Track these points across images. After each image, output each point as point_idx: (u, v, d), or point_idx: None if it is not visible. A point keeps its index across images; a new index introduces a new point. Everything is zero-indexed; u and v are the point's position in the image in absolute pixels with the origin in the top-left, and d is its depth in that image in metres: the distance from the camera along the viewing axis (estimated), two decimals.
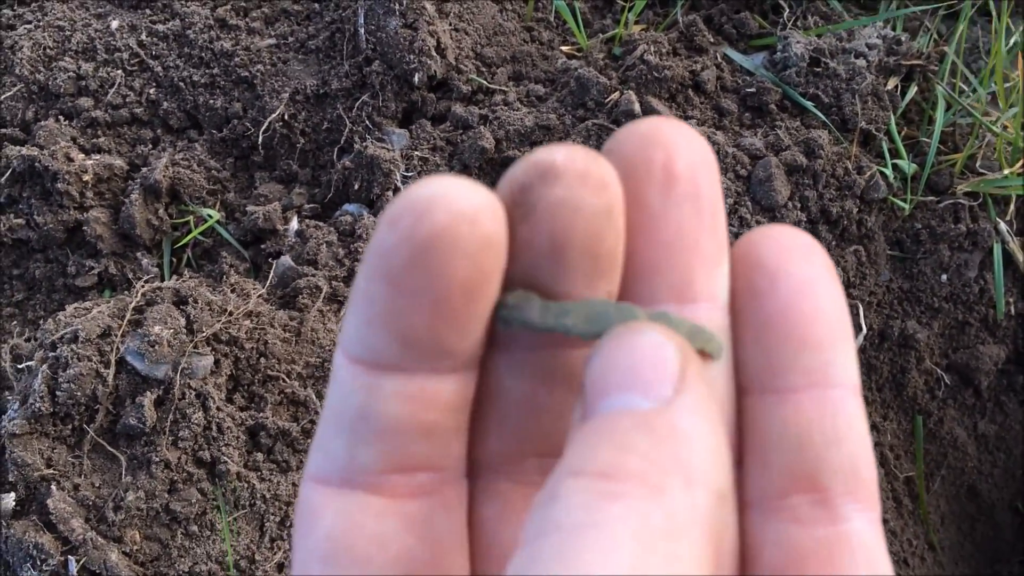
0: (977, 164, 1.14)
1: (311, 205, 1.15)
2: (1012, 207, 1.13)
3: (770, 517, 0.29)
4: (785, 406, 0.29)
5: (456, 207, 0.25)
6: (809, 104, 1.12)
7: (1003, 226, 1.12)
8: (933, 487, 1.17)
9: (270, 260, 1.10)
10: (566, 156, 0.27)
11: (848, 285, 1.11)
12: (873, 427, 1.13)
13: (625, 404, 0.25)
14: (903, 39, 1.16)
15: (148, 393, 0.91)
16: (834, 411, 0.29)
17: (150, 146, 1.17)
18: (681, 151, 0.29)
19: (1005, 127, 1.13)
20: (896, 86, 1.15)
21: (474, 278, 0.26)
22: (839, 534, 0.28)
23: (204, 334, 0.93)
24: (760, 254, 0.29)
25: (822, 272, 0.29)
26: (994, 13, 1.11)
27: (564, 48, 1.23)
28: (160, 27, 1.20)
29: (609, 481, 0.23)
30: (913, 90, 1.15)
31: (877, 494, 0.30)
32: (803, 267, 0.29)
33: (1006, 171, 1.11)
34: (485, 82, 1.18)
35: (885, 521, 1.10)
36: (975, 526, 1.21)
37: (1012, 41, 1.20)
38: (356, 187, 1.13)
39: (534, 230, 0.27)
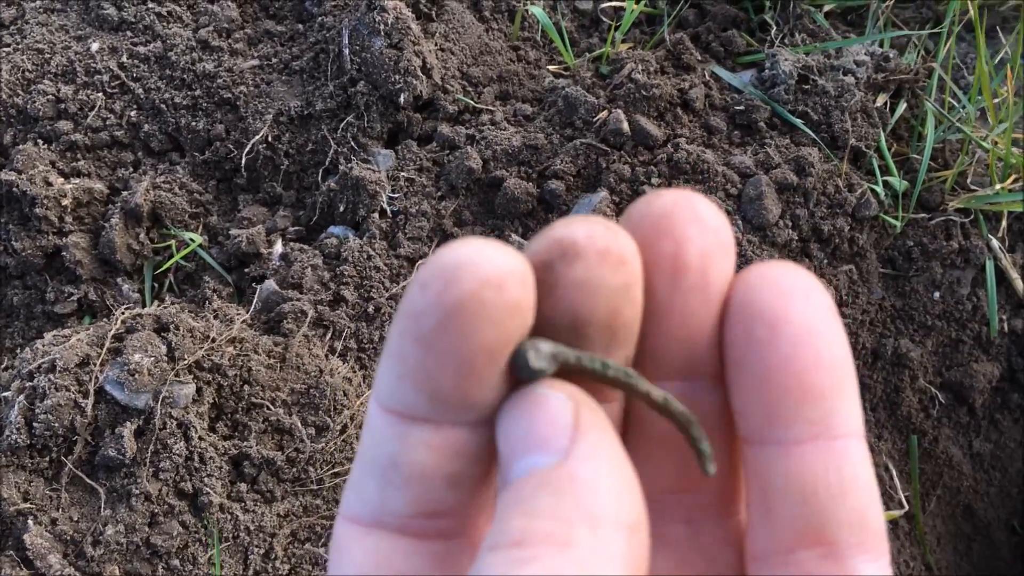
0: (968, 180, 1.13)
1: (296, 228, 1.13)
2: (1004, 223, 1.12)
3: (778, 571, 0.29)
4: (788, 459, 0.29)
5: (484, 273, 0.26)
6: (798, 122, 1.11)
7: (995, 243, 1.11)
8: (929, 507, 1.15)
9: (254, 284, 1.08)
10: (587, 234, 0.28)
11: (840, 304, 1.10)
12: (868, 447, 1.11)
13: (531, 466, 0.26)
14: (891, 55, 1.15)
15: (128, 423, 0.88)
16: (839, 463, 0.28)
17: (131, 169, 1.15)
18: (692, 241, 0.29)
19: (995, 143, 1.12)
20: (885, 103, 1.15)
21: (499, 341, 0.27)
22: None
23: (186, 362, 0.91)
24: (758, 300, 0.29)
25: (823, 317, 0.29)
26: (977, 30, 1.11)
27: (551, 67, 1.22)
28: (141, 49, 1.19)
29: (521, 548, 0.25)
30: (902, 107, 1.15)
31: (886, 541, 0.29)
32: (803, 313, 0.28)
33: (997, 187, 1.10)
34: (472, 102, 1.17)
35: None
36: (971, 546, 1.19)
37: (999, 57, 1.20)
38: (341, 209, 1.11)
39: (554, 307, 0.28)
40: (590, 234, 0.28)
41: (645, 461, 0.31)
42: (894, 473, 1.11)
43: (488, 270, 0.26)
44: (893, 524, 1.12)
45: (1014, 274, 1.12)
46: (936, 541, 1.16)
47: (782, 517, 0.29)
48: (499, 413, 0.28)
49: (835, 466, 0.28)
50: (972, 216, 1.12)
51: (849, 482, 0.28)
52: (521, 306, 0.27)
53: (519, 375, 0.28)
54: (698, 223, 0.29)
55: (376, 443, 0.29)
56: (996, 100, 1.14)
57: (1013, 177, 1.11)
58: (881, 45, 1.20)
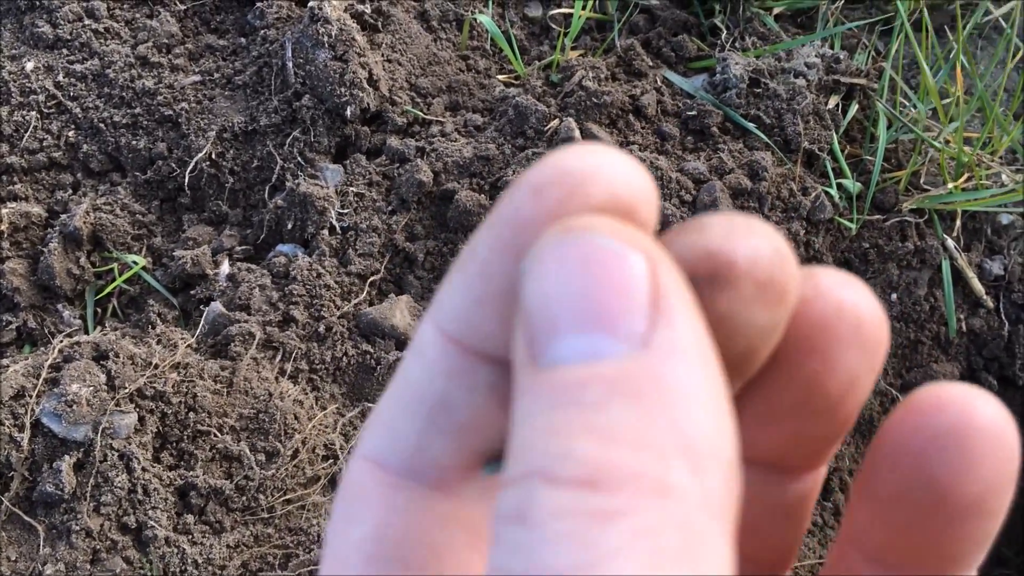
0: (921, 180, 1.12)
1: (243, 247, 1.10)
2: (958, 222, 1.12)
3: None
4: None
5: (614, 190, 0.21)
6: (751, 125, 1.10)
7: (950, 242, 1.11)
8: None
9: (200, 307, 1.04)
10: (751, 256, 0.22)
11: None
12: None
13: (587, 351, 0.19)
14: (841, 57, 1.15)
15: (67, 457, 0.85)
16: None
17: (70, 191, 1.11)
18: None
19: (947, 141, 1.12)
20: (837, 104, 1.14)
21: None
22: None
23: (127, 390, 0.88)
24: (937, 465, 0.23)
25: (1002, 493, 0.23)
26: (924, 29, 1.10)
27: (501, 76, 1.21)
28: (78, 67, 1.15)
29: (598, 492, 0.18)
30: (854, 108, 1.14)
31: None
32: (983, 487, 0.23)
33: (950, 186, 1.10)
34: (421, 113, 1.15)
35: None
36: None
37: (952, 56, 1.19)
38: (289, 226, 1.09)
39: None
40: (754, 257, 0.21)
41: None
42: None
43: (619, 186, 0.21)
44: None
45: (970, 273, 1.12)
46: None
47: None
48: (531, 251, 0.21)
49: None
50: (927, 216, 1.11)
51: None
52: (649, 227, 0.22)
53: None
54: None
55: (427, 376, 0.23)
56: (946, 100, 1.14)
57: (966, 176, 1.11)
58: (831, 46, 1.20)
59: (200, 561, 0.86)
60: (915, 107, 1.15)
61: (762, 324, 0.22)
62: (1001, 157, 1.15)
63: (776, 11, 1.24)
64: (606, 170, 0.21)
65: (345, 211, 1.08)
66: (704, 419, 0.19)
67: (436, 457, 0.23)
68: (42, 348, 1.00)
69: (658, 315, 0.19)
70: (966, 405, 0.23)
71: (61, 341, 0.91)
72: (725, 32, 1.21)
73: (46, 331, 1.04)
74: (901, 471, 0.23)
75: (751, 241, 0.22)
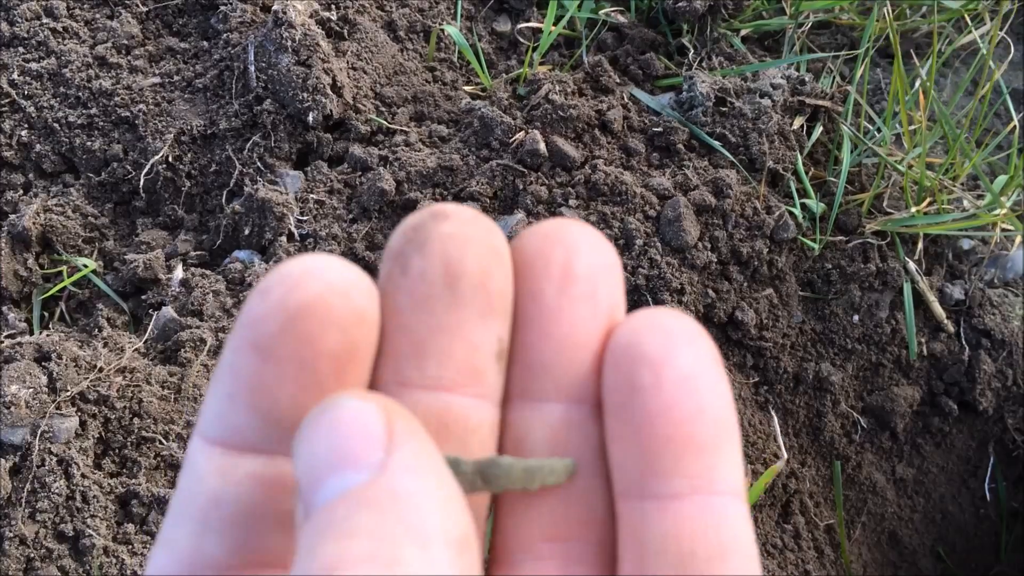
0: (884, 203, 1.13)
1: (198, 252, 1.07)
2: (920, 246, 1.12)
3: None
4: (665, 515, 0.27)
5: (329, 280, 0.26)
6: (716, 143, 1.10)
7: (912, 265, 1.11)
8: (854, 535, 1.14)
9: (151, 312, 1.01)
10: (455, 206, 0.29)
11: (761, 327, 1.08)
12: (792, 474, 1.09)
13: (340, 486, 0.24)
14: (807, 79, 1.15)
15: (2, 460, 0.81)
16: (718, 521, 0.26)
17: (21, 192, 1.08)
18: (582, 252, 0.29)
19: (911, 166, 1.13)
20: (802, 126, 1.14)
21: (345, 350, 0.26)
22: None
23: (68, 393, 0.84)
24: (643, 343, 0.27)
25: (709, 366, 0.27)
26: (897, 59, 1.11)
27: (467, 88, 1.20)
28: (34, 66, 1.12)
29: (336, 572, 0.22)
30: (819, 130, 1.14)
31: None
32: (690, 360, 0.27)
33: (912, 210, 1.10)
34: (385, 122, 1.13)
35: (807, 573, 1.06)
36: (897, 573, 1.17)
37: (916, 84, 1.21)
38: (247, 232, 1.06)
39: (428, 259, 0.28)
40: (459, 207, 0.29)
41: (521, 506, 0.29)
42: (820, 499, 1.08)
43: (334, 277, 0.26)
44: (819, 553, 1.09)
45: (931, 296, 1.12)
46: (863, 570, 1.14)
47: None
48: (296, 435, 0.25)
49: (714, 525, 0.26)
50: (889, 239, 1.11)
51: (729, 543, 0.26)
52: (366, 316, 0.27)
53: None
54: (588, 240, 0.29)
55: (195, 482, 0.27)
56: (912, 127, 1.15)
57: (928, 200, 1.11)
58: (797, 69, 1.20)
59: (140, 572, 0.82)
60: (879, 131, 1.15)
61: (485, 242, 0.28)
62: (963, 183, 1.16)
63: (743, 33, 1.25)
64: (319, 268, 0.26)
65: (304, 218, 1.06)
66: (430, 511, 0.23)
67: (211, 556, 0.26)
68: None
69: (392, 444, 0.24)
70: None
71: (2, 342, 0.88)
72: (692, 52, 1.21)
73: None
74: (609, 373, 0.28)
75: (454, 204, 0.29)
